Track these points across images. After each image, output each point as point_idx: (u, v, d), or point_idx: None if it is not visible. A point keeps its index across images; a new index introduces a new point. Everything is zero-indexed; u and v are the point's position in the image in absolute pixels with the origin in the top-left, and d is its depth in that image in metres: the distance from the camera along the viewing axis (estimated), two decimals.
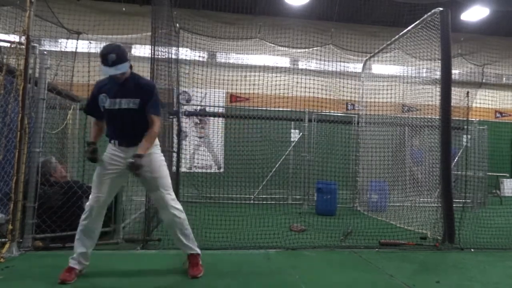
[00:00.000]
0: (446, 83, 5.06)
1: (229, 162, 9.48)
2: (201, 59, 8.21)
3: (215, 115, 9.83)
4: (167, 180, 3.38)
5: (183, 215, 3.39)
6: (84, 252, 3.22)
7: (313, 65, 8.37)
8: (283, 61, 11.40)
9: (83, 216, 3.23)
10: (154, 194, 3.37)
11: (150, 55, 4.63)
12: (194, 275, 3.32)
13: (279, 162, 9.09)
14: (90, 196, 3.25)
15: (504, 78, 13.03)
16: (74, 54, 6.32)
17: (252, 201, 8.40)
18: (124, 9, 10.63)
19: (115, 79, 3.20)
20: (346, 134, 8.54)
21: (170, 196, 3.35)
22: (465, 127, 7.25)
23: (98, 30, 7.69)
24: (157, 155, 3.38)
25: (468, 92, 6.47)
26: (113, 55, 3.09)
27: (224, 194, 8.42)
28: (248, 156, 8.11)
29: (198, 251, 3.46)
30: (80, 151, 6.68)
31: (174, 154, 6.88)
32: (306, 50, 8.96)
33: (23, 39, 4.05)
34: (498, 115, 13.22)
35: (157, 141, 3.41)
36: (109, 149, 3.34)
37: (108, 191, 3.27)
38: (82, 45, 6.94)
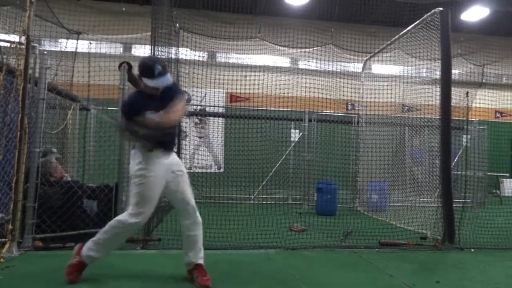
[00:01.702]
0: (446, 83, 5.06)
1: (229, 162, 9.48)
2: (201, 59, 8.19)
3: (215, 115, 9.82)
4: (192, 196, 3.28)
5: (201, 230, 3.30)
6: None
7: (313, 65, 8.36)
8: (283, 61, 11.40)
9: (123, 224, 3.09)
10: (186, 197, 3.22)
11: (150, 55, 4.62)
12: (206, 285, 3.12)
13: (279, 162, 9.09)
14: (140, 211, 3.05)
15: (504, 78, 13.03)
16: (74, 54, 6.32)
17: (252, 201, 8.40)
18: (124, 9, 10.63)
19: (153, 91, 3.06)
20: (346, 134, 8.54)
21: (196, 211, 3.25)
22: (465, 127, 7.25)
23: (98, 30, 7.69)
24: (186, 174, 3.27)
25: (468, 92, 6.47)
26: (159, 67, 3.01)
27: (224, 194, 8.41)
28: (248, 156, 8.11)
29: (202, 261, 3.30)
30: (80, 151, 6.70)
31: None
32: (306, 50, 8.94)
33: (23, 39, 4.05)
34: (498, 115, 13.22)
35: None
36: (151, 161, 3.08)
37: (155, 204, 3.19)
38: (82, 45, 6.94)
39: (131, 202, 3.11)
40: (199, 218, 3.25)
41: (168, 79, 3.06)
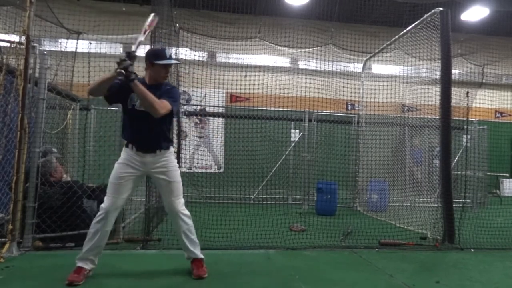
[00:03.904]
0: (446, 83, 5.06)
1: (229, 162, 9.48)
2: (201, 59, 8.19)
3: (215, 115, 9.82)
4: (179, 186, 3.41)
5: (190, 222, 3.43)
6: (94, 253, 3.22)
7: (313, 65, 8.36)
8: (283, 61, 11.40)
9: (97, 219, 3.21)
10: (165, 199, 3.39)
11: None
12: (200, 275, 3.34)
13: (279, 162, 9.09)
14: (106, 199, 3.22)
15: (504, 78, 13.02)
16: (74, 54, 6.31)
17: (252, 201, 8.39)
18: (124, 9, 10.63)
19: (162, 74, 3.31)
20: (346, 134, 8.53)
21: (180, 203, 3.39)
22: (465, 127, 7.24)
23: (98, 30, 7.68)
24: (172, 160, 3.41)
25: (468, 92, 6.46)
26: (168, 50, 3.38)
27: (224, 194, 8.41)
28: (248, 156, 8.11)
29: (201, 256, 3.47)
30: (80, 151, 6.69)
31: (174, 154, 6.88)
32: (306, 50, 8.94)
33: (23, 39, 4.04)
34: (498, 115, 13.21)
35: (172, 149, 3.46)
36: (125, 153, 3.33)
37: (126, 194, 3.28)
38: (82, 45, 6.93)
39: None
40: (182, 221, 3.38)
41: (175, 61, 3.63)
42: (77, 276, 3.12)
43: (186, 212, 3.43)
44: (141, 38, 3.16)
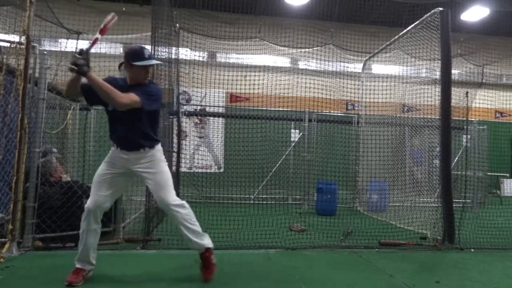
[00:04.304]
0: (446, 83, 5.06)
1: (229, 162, 9.48)
2: (201, 59, 8.19)
3: (215, 115, 9.83)
4: (166, 177, 3.28)
5: (184, 210, 3.24)
6: (88, 253, 3.20)
7: (313, 65, 8.36)
8: (283, 61, 11.40)
9: (82, 218, 3.20)
10: (155, 194, 3.29)
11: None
12: (206, 279, 3.26)
13: (279, 162, 9.09)
14: (89, 198, 3.20)
15: (504, 78, 13.03)
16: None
17: (252, 201, 8.39)
18: (124, 9, 10.63)
19: (142, 75, 3.21)
20: (346, 134, 8.54)
21: (169, 194, 3.23)
22: (465, 127, 7.24)
23: (98, 30, 7.68)
24: (158, 156, 3.33)
25: (467, 92, 6.46)
26: (147, 50, 3.25)
27: (224, 194, 8.42)
28: (248, 156, 8.11)
29: (208, 245, 3.31)
30: (80, 151, 6.69)
31: (174, 154, 6.88)
32: (306, 50, 8.94)
33: (23, 39, 4.05)
34: (498, 115, 13.22)
35: (159, 147, 3.37)
36: (111, 152, 3.33)
37: (107, 192, 3.21)
38: (82, 45, 6.91)
39: None
40: (175, 212, 3.21)
41: (155, 62, 3.38)
42: (76, 277, 3.11)
43: (178, 202, 3.25)
44: (97, 35, 3.15)
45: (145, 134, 3.25)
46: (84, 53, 2.96)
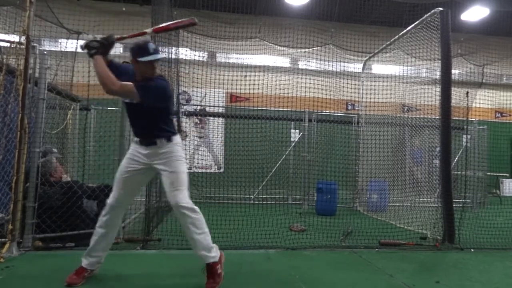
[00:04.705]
0: (446, 83, 5.06)
1: (229, 162, 9.48)
2: (201, 59, 8.19)
3: (215, 115, 9.82)
4: (181, 177, 3.18)
5: (194, 215, 3.09)
6: (97, 249, 3.20)
7: (313, 65, 8.36)
8: (283, 61, 11.39)
9: (103, 213, 3.20)
10: (167, 192, 3.18)
11: None
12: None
13: (279, 162, 9.09)
14: (111, 194, 3.21)
15: (504, 78, 13.03)
16: (74, 54, 6.30)
17: (252, 201, 8.39)
18: (124, 9, 10.63)
19: (149, 70, 3.13)
20: (346, 134, 8.54)
21: (182, 195, 3.10)
22: (465, 127, 7.25)
23: (98, 30, 7.66)
24: (176, 151, 3.26)
25: (468, 92, 6.46)
26: (152, 44, 3.16)
27: (224, 194, 8.42)
28: (248, 156, 8.12)
29: (211, 260, 3.12)
30: (80, 151, 6.69)
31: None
32: (306, 50, 8.94)
33: (23, 39, 4.04)
34: (498, 115, 13.22)
35: (178, 139, 3.31)
36: (131, 147, 3.34)
37: (129, 189, 3.24)
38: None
39: None
40: (183, 215, 3.08)
41: (160, 56, 3.28)
42: (76, 278, 3.10)
43: (190, 205, 3.10)
44: (148, 29, 3.23)
45: (159, 126, 3.22)
46: (105, 39, 3.04)
